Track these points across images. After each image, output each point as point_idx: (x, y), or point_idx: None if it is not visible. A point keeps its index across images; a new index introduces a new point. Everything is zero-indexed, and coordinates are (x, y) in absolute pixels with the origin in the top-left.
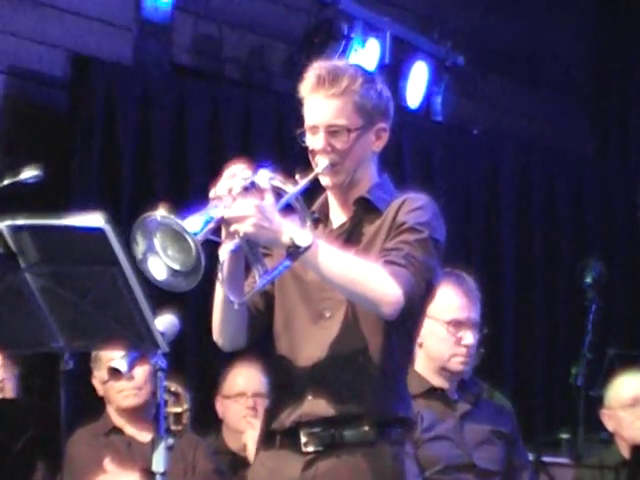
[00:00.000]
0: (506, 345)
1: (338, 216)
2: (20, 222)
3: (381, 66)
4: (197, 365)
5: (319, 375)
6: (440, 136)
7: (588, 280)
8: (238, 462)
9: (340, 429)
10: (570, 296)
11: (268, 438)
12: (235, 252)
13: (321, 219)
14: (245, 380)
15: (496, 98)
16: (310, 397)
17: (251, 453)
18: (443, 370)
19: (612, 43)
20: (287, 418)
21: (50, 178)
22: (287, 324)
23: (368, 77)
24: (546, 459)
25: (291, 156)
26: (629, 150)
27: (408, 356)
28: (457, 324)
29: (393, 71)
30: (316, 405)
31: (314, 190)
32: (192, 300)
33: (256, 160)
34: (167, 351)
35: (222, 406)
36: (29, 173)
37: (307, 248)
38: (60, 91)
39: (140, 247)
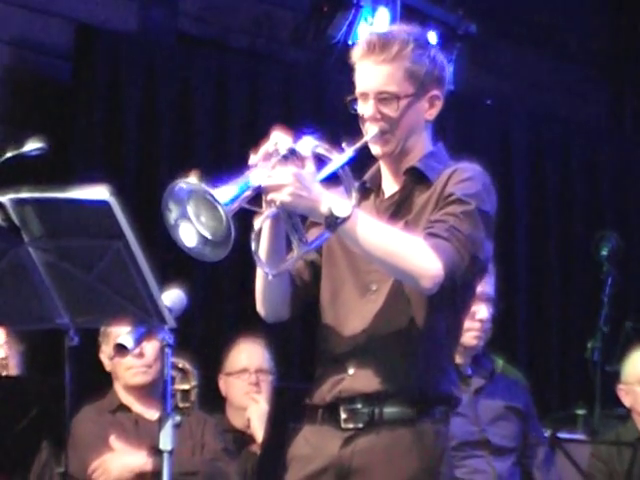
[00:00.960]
0: (521, 319)
1: (390, 186)
2: (23, 195)
3: None
4: (204, 341)
5: (361, 350)
6: (452, 106)
7: (604, 253)
8: (242, 440)
9: (380, 406)
10: (586, 269)
11: (311, 412)
12: (273, 221)
13: (373, 189)
14: (247, 356)
15: (509, 68)
16: (351, 372)
17: (255, 429)
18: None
19: (630, 13)
20: (328, 393)
21: (54, 150)
22: (334, 296)
23: (421, 43)
24: (562, 435)
25: (298, 125)
26: None
27: (455, 332)
28: None
29: None
30: (356, 380)
31: (370, 158)
32: (199, 275)
33: (264, 130)
34: (174, 327)
35: (225, 384)
36: (32, 145)
37: (345, 219)
38: (64, 62)
39: (173, 214)
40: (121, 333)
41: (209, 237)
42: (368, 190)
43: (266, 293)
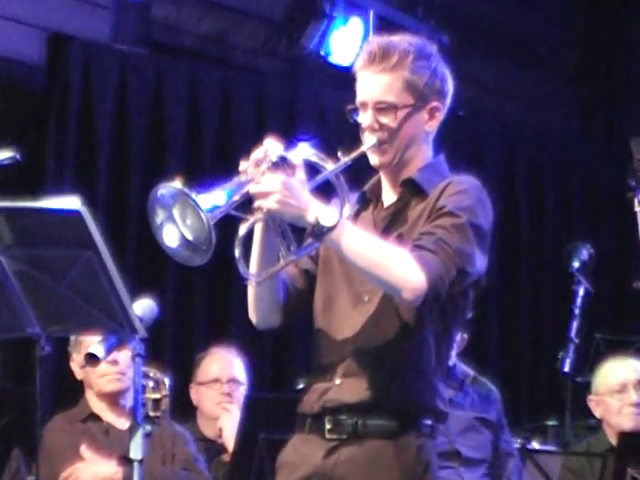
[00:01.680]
0: (491, 330)
1: (389, 197)
2: None
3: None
4: (176, 350)
5: (349, 360)
6: None
7: (575, 264)
8: (213, 449)
9: (364, 417)
10: (557, 280)
11: (300, 421)
12: (265, 228)
13: (372, 199)
14: (220, 366)
15: (481, 78)
16: (338, 382)
17: (227, 438)
18: None
19: (600, 22)
20: (315, 402)
21: (26, 160)
22: (327, 305)
23: (422, 53)
24: (532, 446)
25: (271, 134)
26: (616, 131)
27: (445, 346)
28: None
29: None
30: (342, 391)
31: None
32: (171, 284)
33: (236, 139)
34: (145, 336)
35: (196, 393)
36: (4, 155)
37: (331, 228)
38: (37, 71)
39: (159, 217)
40: (92, 342)
41: (191, 240)
42: (368, 200)
43: (257, 300)
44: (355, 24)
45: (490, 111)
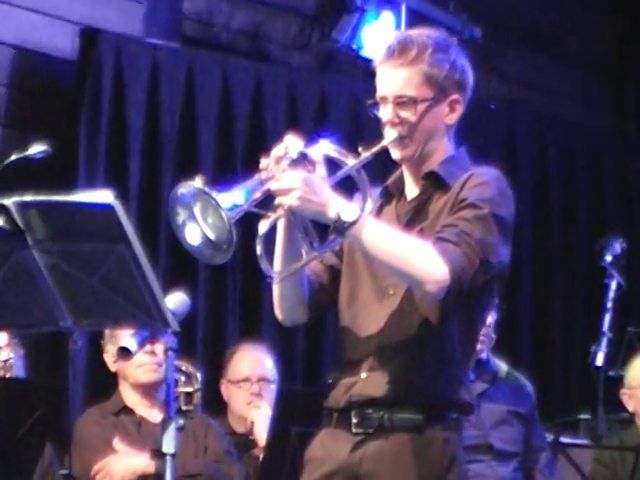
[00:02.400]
0: (524, 324)
1: (411, 190)
2: (27, 198)
3: None
4: (208, 344)
5: (375, 354)
6: None
7: (607, 258)
8: (245, 443)
9: (390, 411)
10: (589, 274)
11: (327, 416)
12: (287, 225)
13: (395, 193)
14: (250, 365)
15: (513, 72)
16: (364, 376)
17: (258, 433)
18: None
19: (633, 16)
20: (342, 397)
21: (58, 153)
22: (352, 300)
23: (441, 46)
24: (565, 440)
25: (302, 128)
26: None
27: (469, 338)
28: None
29: None
30: (368, 385)
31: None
32: (203, 278)
33: (267, 133)
34: (178, 330)
35: (227, 390)
36: (37, 149)
37: (353, 223)
38: (68, 65)
39: (181, 216)
40: (126, 335)
41: (212, 239)
42: (390, 194)
43: (282, 296)
44: (387, 18)
45: (522, 104)
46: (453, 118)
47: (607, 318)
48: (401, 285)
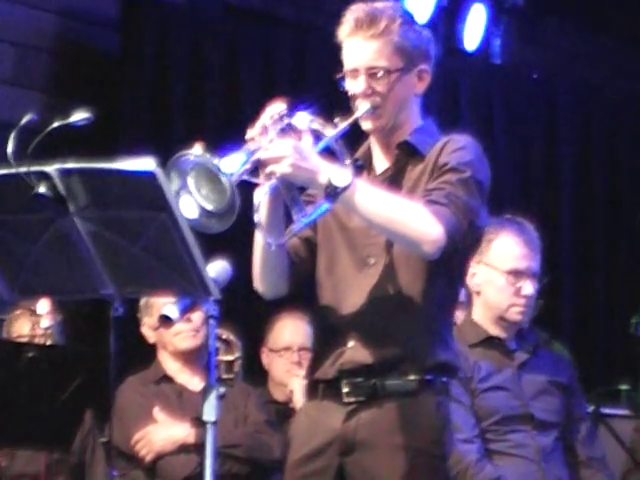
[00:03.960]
0: (565, 294)
1: (381, 162)
2: (69, 165)
3: (439, 8)
4: (249, 313)
5: (361, 322)
6: (498, 79)
7: None
8: (285, 412)
9: (382, 378)
10: (632, 244)
11: (312, 388)
12: (273, 194)
13: (365, 166)
14: (291, 334)
15: (556, 42)
16: (352, 345)
17: (298, 401)
18: (501, 320)
19: None
20: (330, 367)
21: (100, 121)
22: (330, 271)
23: (407, 18)
24: (605, 411)
25: (346, 98)
26: None
27: (452, 300)
28: (517, 274)
29: (451, 13)
30: (357, 353)
31: (358, 136)
32: (244, 246)
33: (311, 101)
34: (219, 298)
35: (267, 358)
36: (79, 116)
37: (345, 188)
38: (112, 32)
39: (173, 185)
40: (165, 304)
41: (212, 209)
42: (360, 167)
43: (266, 268)
44: None
45: (564, 73)
46: (421, 88)
47: None
48: (382, 254)
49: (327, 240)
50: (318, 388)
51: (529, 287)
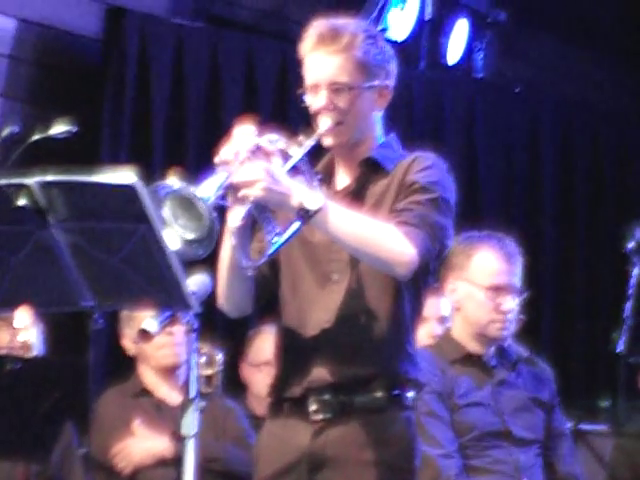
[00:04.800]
0: (546, 309)
1: (343, 177)
2: (49, 177)
3: (422, 22)
4: (229, 326)
5: (327, 340)
6: (481, 93)
7: (631, 244)
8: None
9: (350, 395)
10: (612, 260)
11: (276, 406)
12: (245, 217)
13: (325, 180)
14: (271, 348)
15: (539, 55)
16: (319, 363)
17: None
18: (481, 336)
19: None
20: (297, 386)
21: (81, 132)
22: (294, 289)
23: (370, 34)
24: (585, 427)
25: None
26: None
27: (416, 316)
28: (496, 289)
29: (434, 27)
30: (324, 370)
31: (319, 150)
32: None
33: (293, 113)
34: (199, 311)
35: (247, 372)
36: (60, 127)
37: (317, 211)
38: (93, 44)
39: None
40: (145, 317)
41: (191, 237)
42: (321, 182)
43: (232, 288)
44: (412, 0)
45: (547, 89)
46: (382, 104)
47: (629, 305)
48: (345, 270)
49: (289, 257)
50: (283, 406)
51: (509, 302)
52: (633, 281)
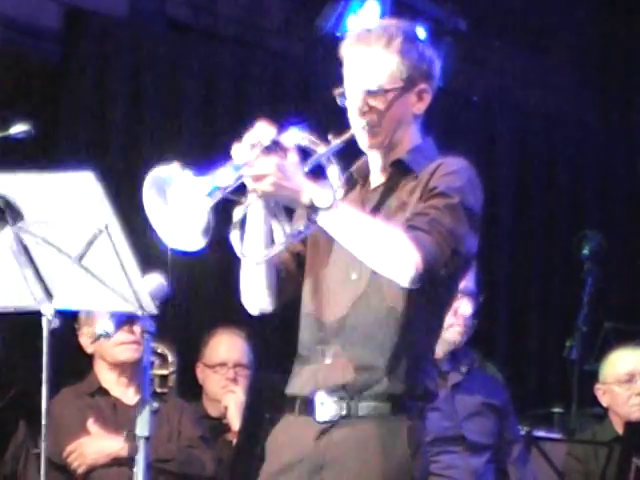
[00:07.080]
0: (500, 316)
1: (377, 178)
2: (7, 178)
3: None
4: (184, 327)
5: (340, 340)
6: (439, 101)
7: (586, 252)
8: (218, 428)
9: (355, 400)
10: (567, 268)
11: (289, 403)
12: (258, 210)
13: (359, 180)
14: (227, 349)
15: (497, 64)
16: (329, 362)
17: (232, 417)
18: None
19: (618, 11)
20: (306, 384)
21: (40, 133)
22: (316, 286)
23: (409, 36)
24: (538, 433)
25: (286, 115)
26: (632, 120)
27: (435, 327)
28: None
29: None
30: (333, 371)
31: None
32: (181, 261)
33: (251, 119)
34: (155, 313)
35: (202, 373)
36: (19, 128)
37: (325, 210)
38: (53, 45)
39: (155, 200)
40: (102, 317)
41: (188, 226)
42: (354, 181)
43: (252, 285)
44: (372, 6)
45: (505, 97)
46: (421, 107)
47: (583, 312)
48: (365, 270)
49: (314, 254)
50: (295, 403)
51: (466, 306)
52: (587, 289)
